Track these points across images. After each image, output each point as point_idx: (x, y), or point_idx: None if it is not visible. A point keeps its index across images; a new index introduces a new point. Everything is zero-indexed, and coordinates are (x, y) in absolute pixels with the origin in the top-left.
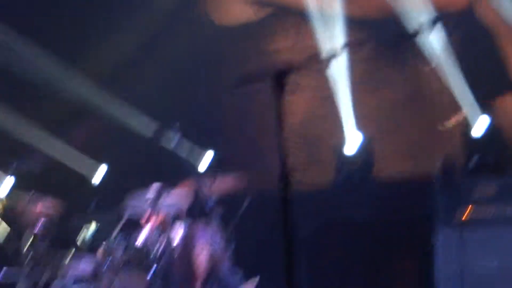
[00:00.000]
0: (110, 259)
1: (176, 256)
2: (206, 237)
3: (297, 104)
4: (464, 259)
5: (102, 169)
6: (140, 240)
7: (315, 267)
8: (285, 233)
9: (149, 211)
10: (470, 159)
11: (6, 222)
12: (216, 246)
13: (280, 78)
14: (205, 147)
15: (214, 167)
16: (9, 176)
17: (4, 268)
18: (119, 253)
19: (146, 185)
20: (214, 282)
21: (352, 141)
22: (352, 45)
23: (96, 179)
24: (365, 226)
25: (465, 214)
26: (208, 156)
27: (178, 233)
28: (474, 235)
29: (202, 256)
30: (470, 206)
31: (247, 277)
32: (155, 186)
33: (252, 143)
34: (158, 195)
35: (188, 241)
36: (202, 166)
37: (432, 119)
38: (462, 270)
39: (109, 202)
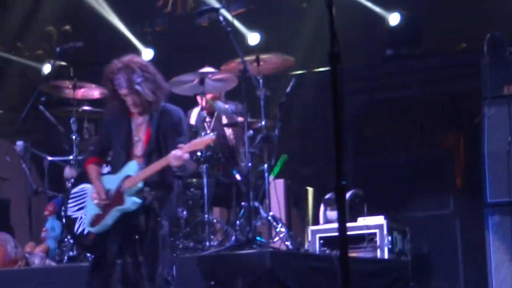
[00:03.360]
0: None
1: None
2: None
3: None
4: None
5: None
6: (191, 121)
7: (362, 142)
8: (334, 110)
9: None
10: None
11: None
12: None
13: None
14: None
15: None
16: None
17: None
18: None
19: (192, 66)
20: None
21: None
22: None
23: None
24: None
25: None
26: (255, 37)
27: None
28: None
29: None
30: None
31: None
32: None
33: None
34: (202, 79)
35: None
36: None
37: None
38: (510, 144)
39: None
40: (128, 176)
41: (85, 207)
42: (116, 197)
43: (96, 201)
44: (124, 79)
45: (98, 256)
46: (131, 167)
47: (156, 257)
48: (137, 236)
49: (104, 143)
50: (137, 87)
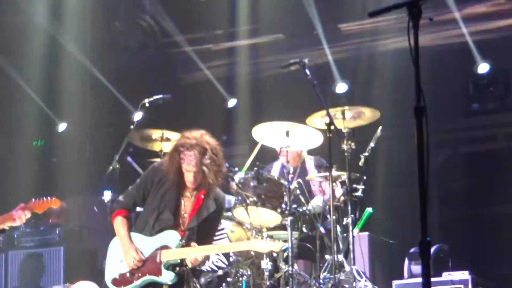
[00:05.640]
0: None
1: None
2: None
3: None
4: None
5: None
6: (273, 173)
7: (447, 196)
8: (419, 163)
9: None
10: None
11: None
12: None
13: None
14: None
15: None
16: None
17: None
18: (251, 186)
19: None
20: None
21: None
22: None
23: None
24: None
25: None
26: (342, 87)
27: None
28: None
29: None
30: None
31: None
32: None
33: None
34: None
35: None
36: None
37: None
38: None
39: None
40: (165, 246)
41: (108, 258)
42: (151, 265)
43: (131, 262)
44: (195, 157)
45: None
46: (172, 238)
47: None
48: None
49: (140, 198)
50: (204, 168)
